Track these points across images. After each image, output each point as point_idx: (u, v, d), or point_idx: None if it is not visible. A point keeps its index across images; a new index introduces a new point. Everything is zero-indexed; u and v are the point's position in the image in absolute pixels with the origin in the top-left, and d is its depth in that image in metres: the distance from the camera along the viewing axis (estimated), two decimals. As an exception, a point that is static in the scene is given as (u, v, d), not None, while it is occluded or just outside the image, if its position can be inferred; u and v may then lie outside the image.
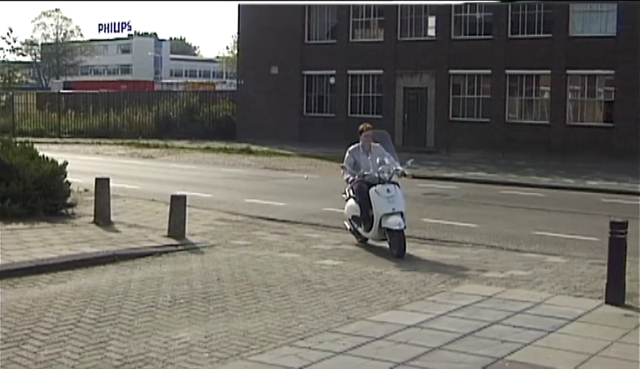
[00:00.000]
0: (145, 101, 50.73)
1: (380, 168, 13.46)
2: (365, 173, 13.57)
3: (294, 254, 12.93)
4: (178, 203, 14.13)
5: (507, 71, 38.10)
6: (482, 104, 39.21)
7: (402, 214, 13.01)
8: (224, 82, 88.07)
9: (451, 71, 39.66)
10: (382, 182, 13.30)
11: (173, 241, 13.58)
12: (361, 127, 14.24)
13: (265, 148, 37.00)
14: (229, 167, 30.59)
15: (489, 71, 38.57)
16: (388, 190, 13.14)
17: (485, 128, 38.30)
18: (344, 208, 14.36)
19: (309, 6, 43.98)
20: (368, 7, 42.45)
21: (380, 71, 41.73)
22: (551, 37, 36.95)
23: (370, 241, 13.82)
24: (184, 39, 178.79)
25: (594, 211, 19.51)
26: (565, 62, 36.52)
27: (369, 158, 13.88)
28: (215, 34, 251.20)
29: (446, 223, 16.48)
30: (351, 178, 13.83)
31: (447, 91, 39.88)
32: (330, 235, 15.05)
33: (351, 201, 13.97)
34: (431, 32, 40.88)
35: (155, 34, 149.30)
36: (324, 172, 29.09)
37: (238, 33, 48.24)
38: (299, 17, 44.06)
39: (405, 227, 12.95)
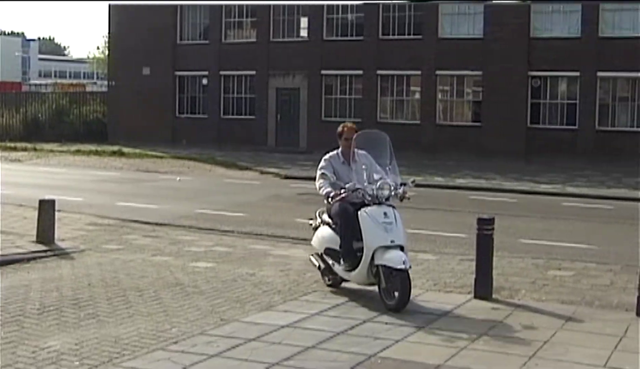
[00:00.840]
0: (12, 103, 49.29)
1: (378, 183, 9.86)
2: (357, 186, 9.88)
3: (167, 257, 12.79)
4: (46, 208, 13.77)
5: (379, 71, 38.65)
6: (354, 104, 39.62)
7: (402, 248, 9.62)
8: (95, 83, 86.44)
9: (323, 72, 39.96)
10: (378, 201, 9.80)
11: (42, 247, 13.22)
12: (340, 127, 10.86)
13: (137, 151, 36.45)
14: (100, 169, 30.05)
15: (360, 72, 39.02)
16: (385, 214, 9.60)
17: (357, 128, 38.62)
18: (310, 238, 11.13)
19: (181, 6, 43.55)
20: (241, 7, 42.32)
21: (253, 72, 41.67)
22: (421, 38, 37.64)
23: (347, 284, 10.48)
24: (53, 38, 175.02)
25: (463, 208, 20.01)
26: (435, 62, 37.31)
27: (352, 170, 10.45)
28: (85, 34, 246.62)
29: (320, 223, 16.52)
30: (333, 193, 10.06)
31: (320, 91, 40.16)
32: (203, 237, 14.96)
33: (325, 229, 10.46)
34: (303, 33, 41.09)
35: (22, 33, 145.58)
36: (196, 173, 28.92)
37: (109, 33, 47.38)
38: (170, 17, 43.58)
39: (410, 266, 9.46)
